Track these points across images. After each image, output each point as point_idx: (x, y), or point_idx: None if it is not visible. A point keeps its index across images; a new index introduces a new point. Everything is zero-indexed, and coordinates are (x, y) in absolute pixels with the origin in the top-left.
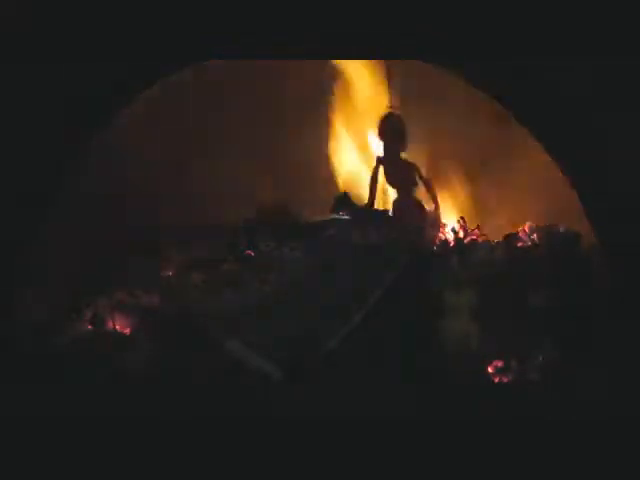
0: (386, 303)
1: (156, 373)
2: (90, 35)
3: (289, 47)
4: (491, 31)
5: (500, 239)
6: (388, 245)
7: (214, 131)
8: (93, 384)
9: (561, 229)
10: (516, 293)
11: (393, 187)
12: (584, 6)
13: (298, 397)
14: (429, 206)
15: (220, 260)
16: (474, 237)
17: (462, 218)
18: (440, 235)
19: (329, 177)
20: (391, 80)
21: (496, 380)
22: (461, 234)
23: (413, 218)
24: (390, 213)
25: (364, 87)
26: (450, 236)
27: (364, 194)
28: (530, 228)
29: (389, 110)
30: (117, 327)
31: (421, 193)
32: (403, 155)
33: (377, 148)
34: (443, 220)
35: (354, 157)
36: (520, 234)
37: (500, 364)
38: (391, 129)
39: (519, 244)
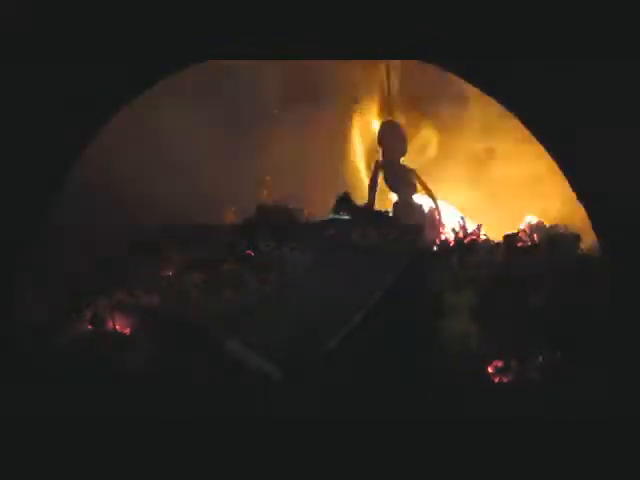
0: (386, 303)
1: (156, 373)
2: (90, 35)
3: (289, 47)
4: (491, 31)
5: (500, 239)
6: (388, 245)
7: (214, 131)
8: (93, 384)
9: (561, 229)
10: (516, 293)
11: (393, 191)
12: (584, 6)
13: (298, 397)
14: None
15: (220, 260)
16: (474, 237)
17: (462, 218)
18: (440, 235)
19: (330, 177)
20: (390, 80)
21: (496, 380)
22: (461, 234)
23: (413, 220)
24: (390, 214)
25: (364, 87)
26: (450, 236)
27: (364, 194)
28: (530, 228)
29: (388, 118)
30: (117, 327)
31: None
32: (402, 160)
33: (378, 149)
34: (443, 220)
35: (355, 157)
36: (520, 234)
37: (500, 364)
38: (390, 137)
39: (519, 244)
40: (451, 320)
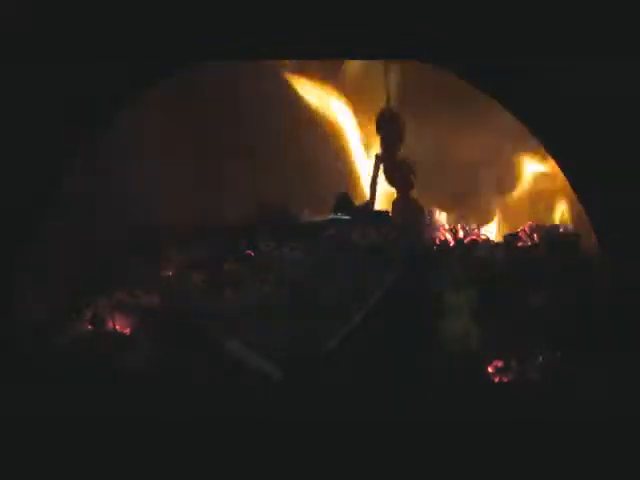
0: (386, 303)
1: (156, 373)
2: (90, 35)
3: (289, 47)
4: (491, 31)
5: (500, 239)
6: (388, 245)
7: (214, 131)
8: (93, 384)
9: (561, 229)
10: (516, 293)
11: (392, 186)
12: (584, 6)
13: (298, 397)
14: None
15: (220, 260)
16: (474, 237)
17: (462, 218)
18: (440, 235)
19: (329, 177)
20: (389, 78)
21: (496, 380)
22: (461, 234)
23: (412, 218)
24: (390, 213)
25: (364, 86)
26: (450, 236)
27: (364, 194)
28: (530, 228)
29: (387, 107)
30: (117, 327)
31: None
32: (401, 153)
33: (377, 147)
34: (442, 220)
35: (354, 157)
36: (520, 234)
37: (500, 364)
38: (389, 126)
39: (519, 244)
40: (451, 320)
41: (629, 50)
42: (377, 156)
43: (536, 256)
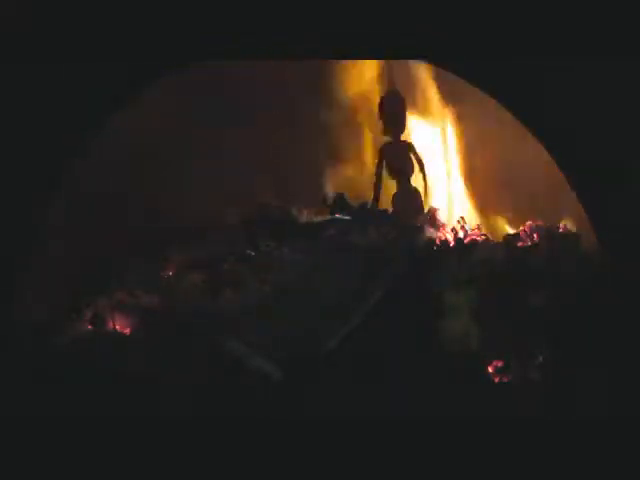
0: (386, 303)
1: (156, 373)
2: (90, 35)
3: (289, 47)
4: (491, 31)
5: (500, 239)
6: (388, 245)
7: (214, 131)
8: (93, 384)
9: (561, 229)
10: (516, 293)
11: (392, 175)
12: (584, 6)
13: (298, 397)
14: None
15: (220, 260)
16: (474, 237)
17: (462, 218)
18: (440, 235)
19: (329, 177)
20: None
21: (496, 380)
22: (461, 234)
23: (411, 208)
24: (390, 206)
25: (364, 86)
26: (450, 236)
27: (364, 194)
28: (530, 228)
29: (390, 90)
30: (117, 327)
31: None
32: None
33: (376, 145)
34: (442, 220)
35: (354, 157)
36: (520, 234)
37: (500, 364)
38: (392, 108)
39: (519, 244)
40: (451, 320)
41: (629, 50)
42: (381, 148)
43: (536, 256)
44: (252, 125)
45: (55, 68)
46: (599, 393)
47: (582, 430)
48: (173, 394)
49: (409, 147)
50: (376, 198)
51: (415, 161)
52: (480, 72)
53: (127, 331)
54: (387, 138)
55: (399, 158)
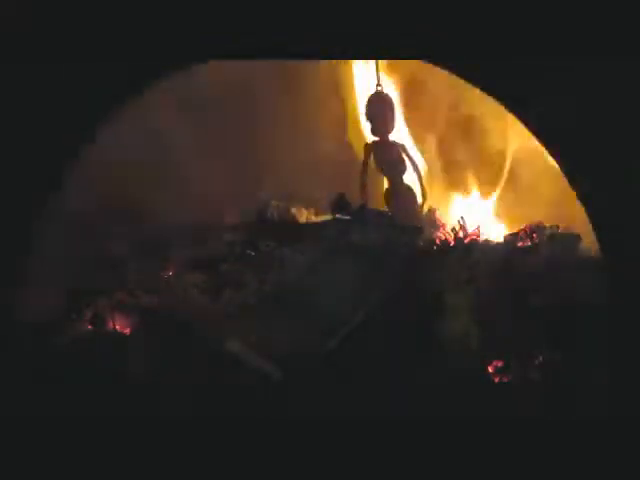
0: (386, 303)
1: (156, 373)
2: (90, 35)
3: (289, 47)
4: (491, 31)
5: (500, 239)
6: (388, 245)
7: (214, 131)
8: (93, 384)
9: (561, 229)
10: (516, 293)
11: (383, 173)
12: (584, 6)
13: (298, 397)
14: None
15: (220, 260)
16: (474, 237)
17: (462, 218)
18: (440, 235)
19: (329, 177)
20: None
21: (496, 380)
22: (461, 234)
23: (405, 205)
24: (384, 205)
25: (364, 86)
26: (450, 236)
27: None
28: (530, 228)
29: (376, 90)
30: (117, 327)
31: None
32: (391, 137)
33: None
34: (442, 220)
35: (354, 157)
36: (520, 234)
37: (500, 364)
38: (379, 109)
39: (519, 244)
40: (451, 320)
41: (629, 50)
42: (366, 145)
43: (536, 256)
44: (252, 125)
45: (55, 68)
46: (599, 393)
47: (582, 430)
48: (173, 394)
49: (400, 147)
50: (363, 197)
51: (408, 161)
52: (480, 72)
53: (127, 331)
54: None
55: (389, 157)
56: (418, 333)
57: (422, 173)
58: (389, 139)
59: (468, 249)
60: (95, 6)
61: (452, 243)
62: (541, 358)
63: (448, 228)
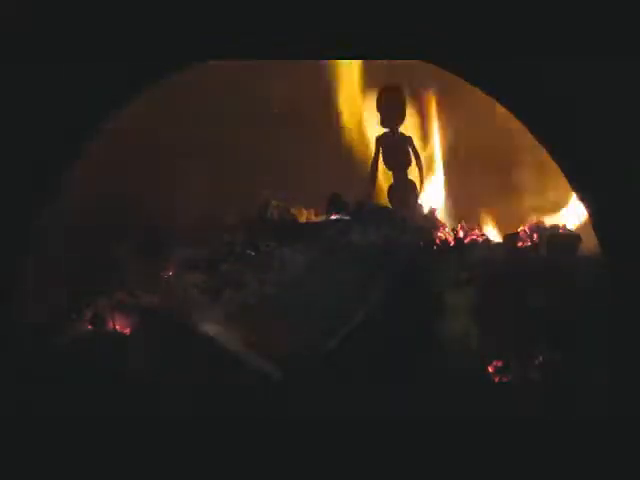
0: (386, 303)
1: (156, 373)
2: (90, 35)
3: (289, 47)
4: (491, 31)
5: (500, 239)
6: (388, 245)
7: (214, 131)
8: (93, 384)
9: (561, 229)
10: (516, 293)
11: (389, 168)
12: (584, 6)
13: (298, 397)
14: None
15: (220, 260)
16: (474, 237)
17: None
18: (440, 235)
19: (329, 177)
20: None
21: (496, 380)
22: (461, 234)
23: (408, 201)
24: (385, 199)
25: (364, 86)
26: (450, 236)
27: (361, 193)
28: (530, 228)
29: (388, 83)
30: (117, 327)
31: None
32: (401, 128)
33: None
34: (442, 220)
35: (354, 157)
36: (520, 234)
37: (500, 364)
38: (390, 101)
39: (519, 244)
40: (451, 320)
41: (629, 50)
42: (378, 138)
43: (536, 256)
44: (253, 125)
45: (55, 68)
46: (599, 393)
47: (582, 430)
48: (173, 394)
49: (407, 140)
50: (372, 190)
51: (412, 154)
52: (480, 72)
53: (127, 331)
54: (385, 130)
55: (396, 150)
56: (418, 333)
57: (422, 165)
58: (398, 130)
59: (468, 249)
60: (95, 6)
61: (452, 243)
62: (541, 358)
63: (448, 228)
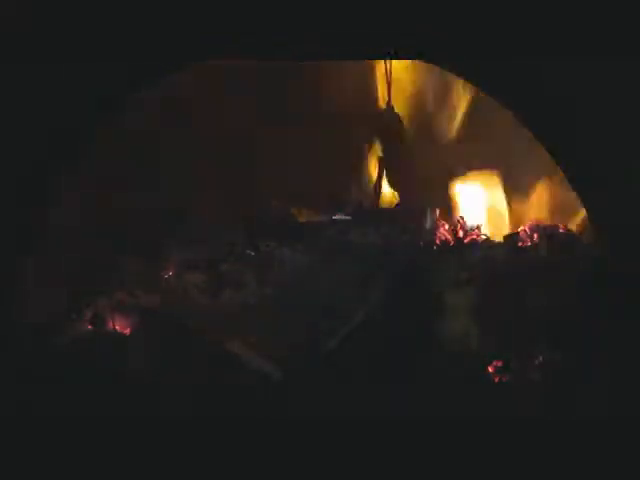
0: (386, 303)
1: (156, 373)
2: (90, 35)
3: (289, 47)
4: (491, 31)
5: (500, 239)
6: (388, 245)
7: (214, 131)
8: (93, 384)
9: (561, 229)
10: (516, 293)
11: (393, 189)
12: (584, 6)
13: (298, 397)
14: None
15: (220, 260)
16: (474, 237)
17: (462, 218)
18: (440, 235)
19: (329, 177)
20: (390, 78)
21: (496, 380)
22: (461, 234)
23: (415, 220)
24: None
25: (364, 86)
26: (450, 236)
27: (362, 193)
28: (530, 228)
29: (386, 108)
30: (117, 327)
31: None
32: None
33: (377, 146)
34: (442, 219)
35: (353, 156)
36: (520, 234)
37: (500, 364)
38: (387, 127)
39: (519, 244)
40: (451, 320)
41: (629, 50)
42: (380, 158)
43: (536, 256)
44: (253, 125)
45: (55, 68)
46: (599, 393)
47: (582, 430)
48: (173, 394)
49: (409, 163)
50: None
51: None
52: (480, 72)
53: (127, 331)
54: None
55: (397, 173)
56: (418, 333)
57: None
58: (399, 155)
59: (468, 249)
60: (95, 6)
61: (452, 243)
62: (541, 358)
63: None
